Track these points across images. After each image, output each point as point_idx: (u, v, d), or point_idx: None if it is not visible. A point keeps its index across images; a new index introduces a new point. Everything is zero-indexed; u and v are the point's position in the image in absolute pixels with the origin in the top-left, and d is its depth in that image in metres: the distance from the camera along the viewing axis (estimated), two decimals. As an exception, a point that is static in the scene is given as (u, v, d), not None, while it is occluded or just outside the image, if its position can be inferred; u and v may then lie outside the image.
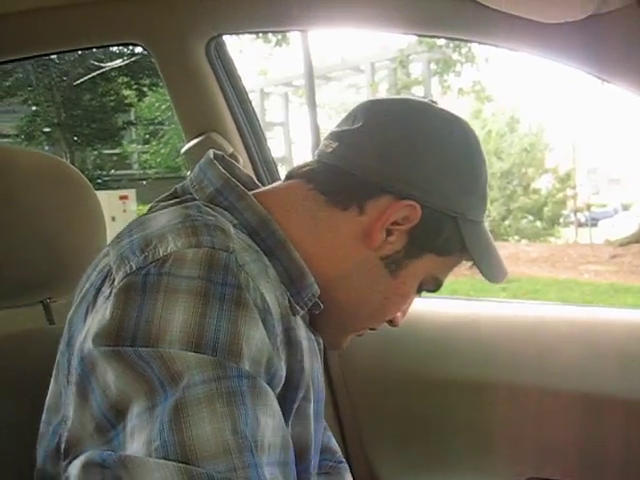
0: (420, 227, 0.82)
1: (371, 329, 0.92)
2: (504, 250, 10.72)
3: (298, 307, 0.77)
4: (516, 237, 13.13)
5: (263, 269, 0.72)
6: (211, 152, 0.85)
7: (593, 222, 13.65)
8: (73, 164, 1.17)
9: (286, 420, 0.71)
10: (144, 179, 12.02)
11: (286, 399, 0.72)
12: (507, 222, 13.32)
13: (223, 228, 0.71)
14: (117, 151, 12.81)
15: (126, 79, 11.38)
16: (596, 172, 16.78)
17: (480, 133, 14.09)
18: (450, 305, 1.70)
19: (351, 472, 1.10)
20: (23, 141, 11.08)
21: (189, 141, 1.51)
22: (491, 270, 0.88)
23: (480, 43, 1.33)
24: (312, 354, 0.81)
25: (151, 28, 1.40)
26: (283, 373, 0.70)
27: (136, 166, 13.30)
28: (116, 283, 0.67)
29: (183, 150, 1.53)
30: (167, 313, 0.63)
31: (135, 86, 11.52)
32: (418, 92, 10.15)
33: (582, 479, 1.39)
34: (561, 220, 14.00)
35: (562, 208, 13.93)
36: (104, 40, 1.54)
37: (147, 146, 12.58)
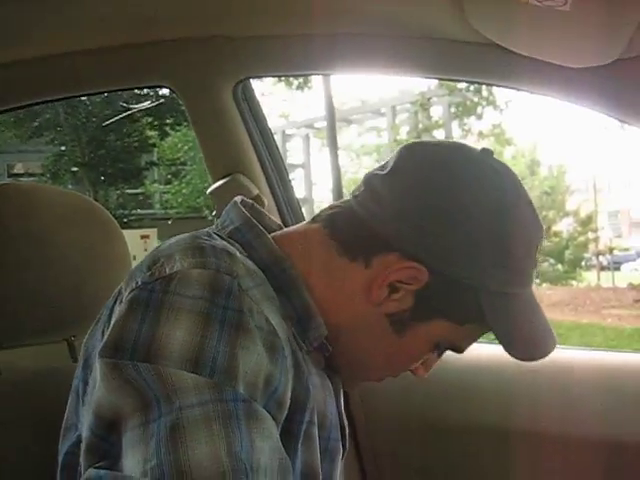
0: (428, 291, 0.79)
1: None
2: (525, 293, 10.60)
3: (304, 344, 0.77)
4: (537, 280, 13.03)
5: (267, 295, 0.72)
6: (239, 198, 0.87)
7: (615, 265, 13.53)
8: (96, 203, 1.20)
9: (296, 444, 0.72)
10: (166, 219, 12.12)
11: (294, 421, 0.72)
12: (528, 265, 13.22)
13: (229, 252, 0.72)
14: (139, 191, 12.96)
15: (150, 119, 11.56)
16: (618, 215, 16.69)
17: (500, 176, 14.12)
18: (473, 349, 1.68)
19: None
20: (48, 180, 11.27)
21: (215, 182, 1.53)
22: (518, 347, 0.82)
23: (503, 87, 1.34)
24: (325, 389, 0.81)
25: (180, 71, 1.43)
26: (289, 392, 0.70)
27: (158, 206, 13.42)
28: (124, 299, 0.69)
29: (209, 191, 1.54)
30: (169, 330, 0.64)
31: (158, 126, 11.69)
32: (439, 135, 10.21)
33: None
34: (583, 263, 13.87)
35: (584, 251, 13.82)
36: (133, 83, 1.57)
37: (169, 186, 12.70)
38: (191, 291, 0.66)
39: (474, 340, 0.87)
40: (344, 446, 0.87)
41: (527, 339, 0.83)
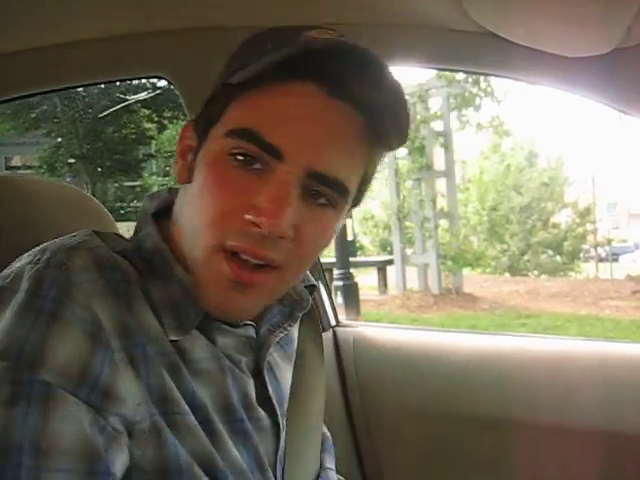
0: (197, 123, 0.82)
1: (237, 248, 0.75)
2: (523, 285, 10.65)
3: (185, 327, 0.77)
4: (535, 272, 13.05)
5: (108, 290, 0.72)
6: (151, 192, 0.90)
7: (614, 257, 13.58)
8: (94, 195, 1.20)
9: (165, 435, 0.71)
10: (164, 211, 12.07)
11: (153, 414, 0.71)
12: (526, 257, 13.25)
13: (72, 247, 0.74)
14: (138, 183, 12.94)
15: (147, 112, 11.54)
16: (616, 207, 16.72)
17: (499, 167, 14.12)
18: (471, 339, 1.68)
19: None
20: (45, 172, 11.24)
21: (212, 173, 1.53)
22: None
23: (501, 77, 1.34)
24: (225, 371, 0.80)
25: (177, 62, 1.42)
26: (120, 384, 0.69)
27: (156, 198, 13.41)
28: None
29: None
30: None
31: (156, 119, 11.67)
32: (437, 127, 10.17)
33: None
34: (581, 255, 13.90)
35: (582, 243, 13.85)
36: (130, 73, 1.56)
37: (167, 178, 12.69)
38: (19, 285, 0.70)
39: (252, 112, 0.75)
40: (277, 423, 0.86)
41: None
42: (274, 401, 0.88)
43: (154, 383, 0.72)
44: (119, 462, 0.68)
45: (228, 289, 0.75)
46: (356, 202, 0.85)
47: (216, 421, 0.77)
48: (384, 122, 0.77)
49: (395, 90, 0.76)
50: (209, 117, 0.79)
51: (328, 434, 1.11)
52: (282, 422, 0.88)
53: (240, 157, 0.74)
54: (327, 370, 1.46)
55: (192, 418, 0.74)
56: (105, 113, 10.50)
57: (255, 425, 0.83)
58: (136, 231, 0.84)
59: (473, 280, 10.88)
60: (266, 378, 0.87)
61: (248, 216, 0.72)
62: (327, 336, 1.66)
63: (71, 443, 0.64)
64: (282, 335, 0.91)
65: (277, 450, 0.86)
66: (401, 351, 1.62)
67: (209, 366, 0.79)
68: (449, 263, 9.94)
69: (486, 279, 11.58)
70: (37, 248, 0.75)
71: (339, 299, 8.09)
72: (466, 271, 10.90)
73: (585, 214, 14.00)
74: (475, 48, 1.23)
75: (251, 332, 0.87)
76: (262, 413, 0.85)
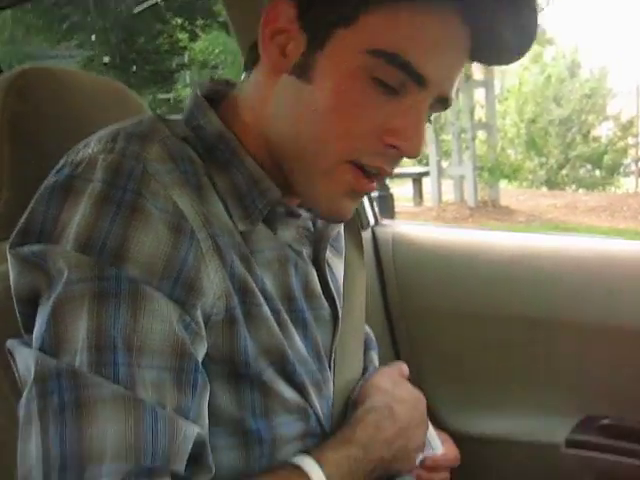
0: (306, 12, 0.73)
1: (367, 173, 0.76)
2: (561, 199, 10.51)
3: (252, 217, 0.77)
4: (573, 186, 12.84)
5: (184, 181, 0.71)
6: (202, 80, 0.86)
7: (656, 171, 13.23)
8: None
9: (239, 328, 0.71)
10: (198, 123, 12.01)
11: (230, 307, 0.71)
12: (565, 171, 13.02)
13: (146, 137, 0.72)
14: (171, 95, 12.89)
15: (180, 20, 11.37)
16: (661, 120, 16.16)
17: (539, 78, 13.71)
18: (512, 238, 1.66)
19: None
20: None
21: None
22: None
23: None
24: (286, 262, 0.81)
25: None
26: (204, 276, 0.69)
27: (190, 110, 13.37)
28: None
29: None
30: (69, 213, 0.66)
31: (189, 27, 11.49)
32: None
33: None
34: (621, 169, 13.61)
35: (623, 157, 13.52)
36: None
37: (201, 90, 12.59)
38: (94, 175, 0.67)
39: (406, 32, 0.71)
40: (336, 315, 0.89)
41: None
42: (334, 292, 0.90)
43: (236, 273, 0.72)
44: (201, 355, 0.69)
45: (345, 197, 0.78)
46: None
47: (282, 310, 0.78)
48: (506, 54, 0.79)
49: (529, 28, 0.73)
50: (333, 14, 0.71)
51: (372, 335, 1.13)
52: (340, 314, 0.90)
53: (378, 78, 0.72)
54: (366, 269, 1.46)
55: (267, 309, 0.75)
56: (140, 9, 10.32)
57: (315, 315, 0.85)
58: (189, 118, 0.80)
59: (509, 193, 10.76)
60: (326, 269, 0.89)
61: (390, 140, 0.73)
62: (366, 235, 1.66)
63: (161, 341, 0.64)
64: (337, 230, 0.93)
65: (333, 341, 0.88)
66: (441, 249, 1.62)
67: (273, 256, 0.80)
68: (485, 175, 9.81)
69: (523, 192, 11.45)
70: (103, 134, 0.72)
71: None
72: (503, 184, 10.76)
73: (627, 127, 13.60)
74: None
75: (309, 225, 0.88)
76: (324, 303, 0.87)
